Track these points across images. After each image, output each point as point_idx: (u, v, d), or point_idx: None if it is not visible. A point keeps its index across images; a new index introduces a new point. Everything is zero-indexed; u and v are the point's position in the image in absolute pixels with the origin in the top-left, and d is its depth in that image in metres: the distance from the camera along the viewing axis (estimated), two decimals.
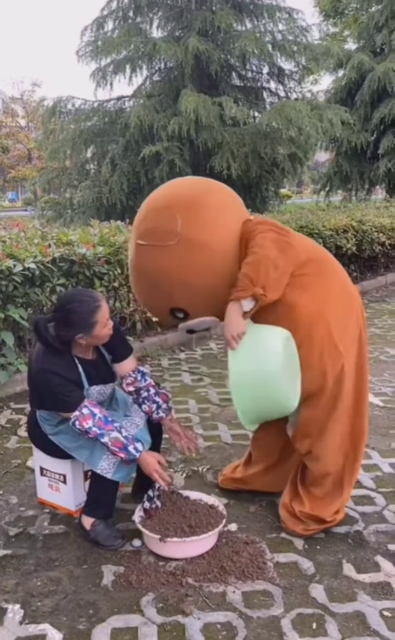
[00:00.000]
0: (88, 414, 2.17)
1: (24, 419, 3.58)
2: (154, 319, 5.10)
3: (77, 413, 2.17)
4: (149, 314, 5.07)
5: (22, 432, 3.42)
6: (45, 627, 1.88)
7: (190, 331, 2.43)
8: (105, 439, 2.15)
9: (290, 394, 2.13)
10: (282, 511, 2.43)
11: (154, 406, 2.45)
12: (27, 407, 3.77)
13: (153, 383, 2.48)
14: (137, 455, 2.19)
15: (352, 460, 2.37)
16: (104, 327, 2.26)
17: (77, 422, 2.17)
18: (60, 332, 2.24)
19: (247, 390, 2.09)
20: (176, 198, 2.29)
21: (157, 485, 2.31)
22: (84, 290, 2.53)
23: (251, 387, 2.09)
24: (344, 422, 2.31)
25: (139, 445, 2.21)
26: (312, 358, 2.21)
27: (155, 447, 2.47)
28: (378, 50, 14.53)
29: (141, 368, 2.50)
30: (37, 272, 3.85)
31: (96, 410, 2.20)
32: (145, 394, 2.45)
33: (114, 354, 2.44)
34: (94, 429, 2.15)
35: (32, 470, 2.81)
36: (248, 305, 2.10)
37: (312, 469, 2.37)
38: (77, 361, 2.32)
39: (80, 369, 2.31)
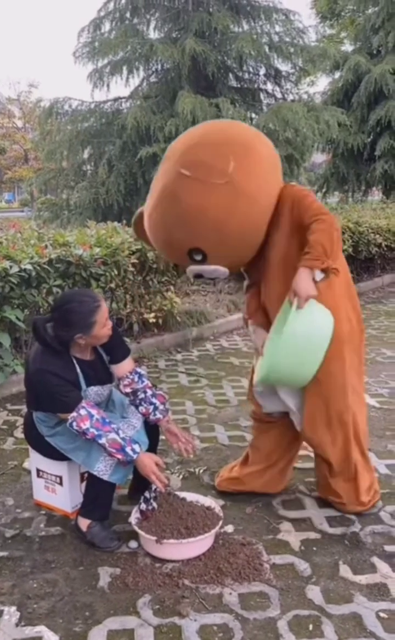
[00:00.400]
0: (86, 415, 2.17)
1: (21, 421, 3.57)
2: (151, 320, 5.11)
3: (74, 414, 2.17)
4: (146, 315, 5.07)
5: (19, 433, 3.42)
6: (41, 629, 1.88)
7: (198, 276, 2.39)
8: (102, 440, 2.15)
9: (317, 367, 2.21)
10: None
11: (151, 408, 2.44)
12: (24, 408, 3.76)
13: (150, 385, 2.48)
14: (135, 456, 2.19)
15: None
16: (103, 327, 2.26)
17: (74, 423, 2.16)
18: (59, 332, 2.24)
19: (291, 350, 2.14)
20: (232, 138, 2.22)
21: (153, 487, 2.30)
22: (83, 290, 2.53)
23: (297, 347, 2.15)
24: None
25: (136, 447, 2.21)
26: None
27: (152, 448, 2.46)
28: (375, 52, 14.55)
29: (138, 369, 2.50)
30: (33, 273, 3.84)
31: (94, 412, 2.19)
32: (142, 395, 2.45)
33: (112, 355, 2.44)
34: (91, 430, 2.15)
35: (29, 472, 2.81)
36: (318, 276, 2.15)
37: (328, 458, 2.44)
38: (75, 362, 2.31)
39: (78, 370, 2.31)
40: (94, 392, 2.38)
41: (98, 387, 2.39)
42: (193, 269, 2.35)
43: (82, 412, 2.17)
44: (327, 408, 2.37)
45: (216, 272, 2.34)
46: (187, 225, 2.23)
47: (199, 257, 2.30)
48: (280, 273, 2.33)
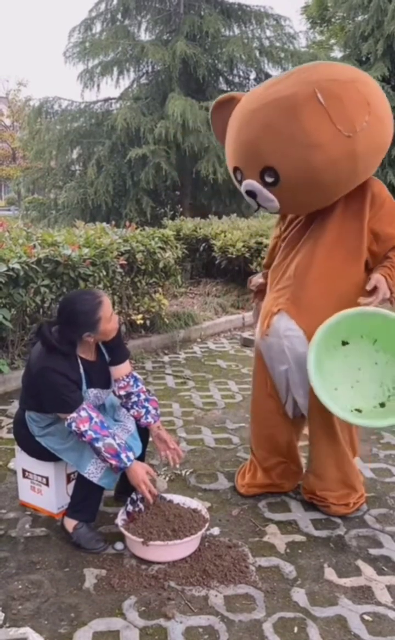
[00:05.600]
0: (86, 417, 2.17)
1: (6, 421, 3.55)
2: (139, 321, 5.10)
3: (75, 415, 2.16)
4: (133, 317, 5.06)
5: (4, 433, 3.40)
6: (26, 631, 1.87)
7: (251, 194, 2.29)
8: (99, 444, 2.14)
9: None
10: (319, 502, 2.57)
11: (143, 411, 2.45)
12: (9, 408, 3.75)
13: (144, 389, 2.50)
14: (129, 464, 2.19)
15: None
16: (108, 321, 2.27)
17: (74, 424, 2.15)
18: (66, 333, 2.24)
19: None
20: (378, 103, 2.10)
21: None
22: (83, 290, 2.53)
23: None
24: None
25: (131, 455, 2.21)
26: None
27: (141, 451, 2.46)
28: (364, 59, 14.67)
29: (135, 374, 2.51)
30: (21, 273, 3.82)
31: (94, 414, 2.19)
32: (135, 398, 2.45)
33: (112, 357, 2.44)
34: (90, 432, 2.15)
35: (14, 473, 2.79)
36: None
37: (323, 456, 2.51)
38: (80, 362, 2.31)
39: (82, 370, 2.31)
40: (93, 394, 2.37)
41: (98, 389, 2.39)
42: (255, 186, 2.23)
43: (83, 413, 2.17)
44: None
45: (270, 203, 2.27)
46: (286, 144, 2.09)
47: (270, 180, 2.18)
48: (322, 249, 2.32)
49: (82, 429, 2.14)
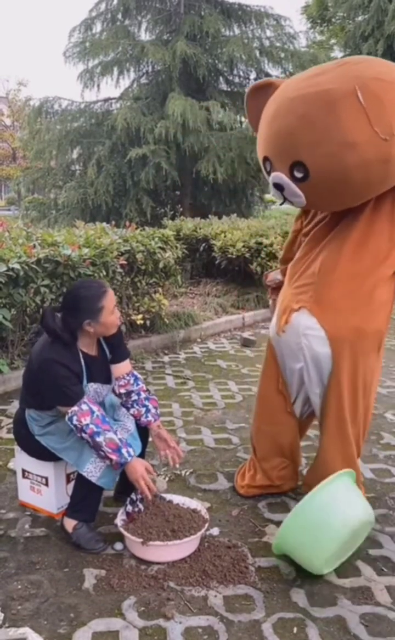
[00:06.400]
0: (87, 411, 2.17)
1: (6, 421, 3.55)
2: (139, 322, 5.10)
3: (76, 408, 2.16)
4: (133, 317, 5.06)
5: (4, 433, 3.40)
6: (26, 631, 1.87)
7: (279, 187, 2.24)
8: (100, 438, 2.14)
9: (323, 556, 2.12)
10: None
11: (143, 410, 2.45)
12: (9, 408, 3.75)
13: (145, 388, 2.50)
14: (129, 459, 2.18)
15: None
16: (110, 313, 2.28)
17: (75, 418, 2.15)
18: (68, 320, 2.25)
19: (304, 522, 2.11)
20: None
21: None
22: (90, 279, 2.54)
23: (310, 522, 2.12)
24: None
25: (131, 450, 2.21)
26: None
27: (141, 451, 2.46)
28: None
29: (135, 372, 2.51)
30: (21, 273, 3.82)
31: (95, 408, 2.20)
32: (135, 397, 2.46)
33: (113, 355, 2.45)
34: (91, 426, 2.14)
35: (14, 473, 2.79)
36: None
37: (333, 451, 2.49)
38: (81, 355, 2.32)
39: (83, 364, 2.31)
40: (93, 389, 2.38)
41: (98, 384, 2.39)
42: (283, 179, 2.18)
43: (84, 407, 2.17)
44: (355, 403, 2.40)
45: (297, 198, 2.22)
46: (320, 139, 2.02)
47: (299, 175, 2.13)
48: (349, 249, 2.29)
49: (84, 422, 2.14)
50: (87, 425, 2.14)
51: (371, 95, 1.95)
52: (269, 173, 2.28)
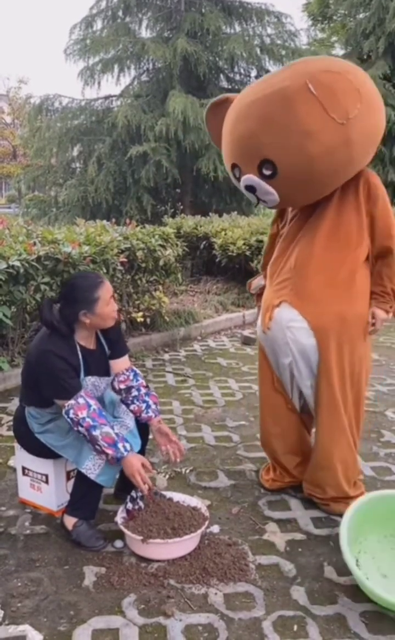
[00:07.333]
0: (84, 404, 2.16)
1: (6, 418, 3.55)
2: (139, 319, 5.09)
3: (72, 402, 2.16)
4: (134, 315, 5.06)
5: (4, 431, 3.39)
6: (26, 628, 1.86)
7: (250, 189, 2.30)
8: (96, 432, 2.14)
9: None
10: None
11: (144, 405, 2.45)
12: (9, 406, 3.74)
13: (145, 384, 2.50)
14: (125, 454, 2.18)
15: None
16: (107, 304, 2.28)
17: (71, 411, 2.15)
18: (65, 310, 2.26)
19: None
20: (368, 91, 2.14)
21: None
22: (87, 271, 2.55)
23: None
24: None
25: (127, 445, 2.20)
26: None
27: (141, 449, 2.46)
28: (365, 57, 14.64)
29: (134, 368, 2.51)
30: (21, 270, 3.81)
31: (92, 402, 2.19)
32: (135, 392, 2.45)
33: (112, 350, 2.45)
34: (87, 419, 2.14)
35: (14, 470, 2.79)
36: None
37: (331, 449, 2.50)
38: (79, 348, 2.31)
39: (80, 357, 2.31)
40: (91, 382, 2.37)
41: (96, 377, 2.39)
42: (254, 180, 2.25)
43: (81, 400, 2.17)
44: (344, 391, 2.43)
45: (269, 196, 2.28)
46: (282, 135, 2.12)
47: (268, 172, 2.21)
48: (321, 240, 2.36)
49: (80, 415, 2.14)
50: (84, 418, 2.14)
51: (322, 86, 2.05)
52: (238, 179, 2.36)
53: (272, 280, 2.54)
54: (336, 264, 2.34)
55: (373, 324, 2.39)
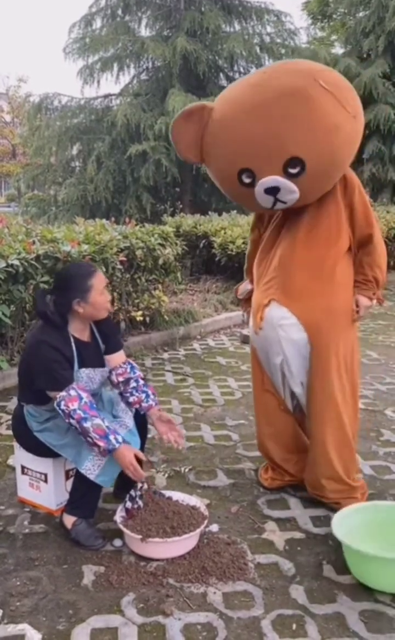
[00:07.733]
0: (75, 396, 2.16)
1: (5, 417, 3.55)
2: (139, 318, 5.09)
3: (64, 393, 2.16)
4: (133, 314, 5.06)
5: (3, 430, 3.39)
6: (24, 627, 1.87)
7: (273, 191, 2.24)
8: (87, 424, 2.13)
9: None
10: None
11: (143, 395, 2.46)
12: (8, 404, 3.74)
13: (142, 375, 2.52)
14: (117, 445, 2.16)
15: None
16: (100, 294, 2.29)
17: (63, 403, 2.15)
18: (58, 299, 2.27)
19: None
20: (356, 96, 2.25)
21: (139, 485, 2.30)
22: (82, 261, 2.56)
23: None
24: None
25: (119, 437, 2.19)
26: None
27: (140, 446, 2.45)
28: (365, 55, 14.59)
29: (131, 361, 2.53)
30: (20, 269, 3.81)
31: (84, 395, 2.19)
32: (134, 384, 2.47)
33: (107, 345, 2.46)
34: (78, 411, 2.14)
35: (13, 469, 2.79)
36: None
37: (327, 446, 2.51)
38: (72, 340, 2.32)
39: (74, 349, 2.31)
40: (85, 374, 2.37)
41: (90, 369, 2.39)
42: (279, 180, 2.18)
43: (72, 392, 2.17)
44: (341, 382, 2.45)
45: (292, 195, 2.24)
46: (310, 131, 2.12)
47: (294, 171, 2.17)
48: (302, 236, 2.41)
49: (71, 407, 2.14)
50: (75, 410, 2.14)
51: (329, 82, 2.13)
52: (250, 185, 2.26)
53: (260, 281, 2.57)
54: (318, 259, 2.39)
55: (357, 312, 2.44)
